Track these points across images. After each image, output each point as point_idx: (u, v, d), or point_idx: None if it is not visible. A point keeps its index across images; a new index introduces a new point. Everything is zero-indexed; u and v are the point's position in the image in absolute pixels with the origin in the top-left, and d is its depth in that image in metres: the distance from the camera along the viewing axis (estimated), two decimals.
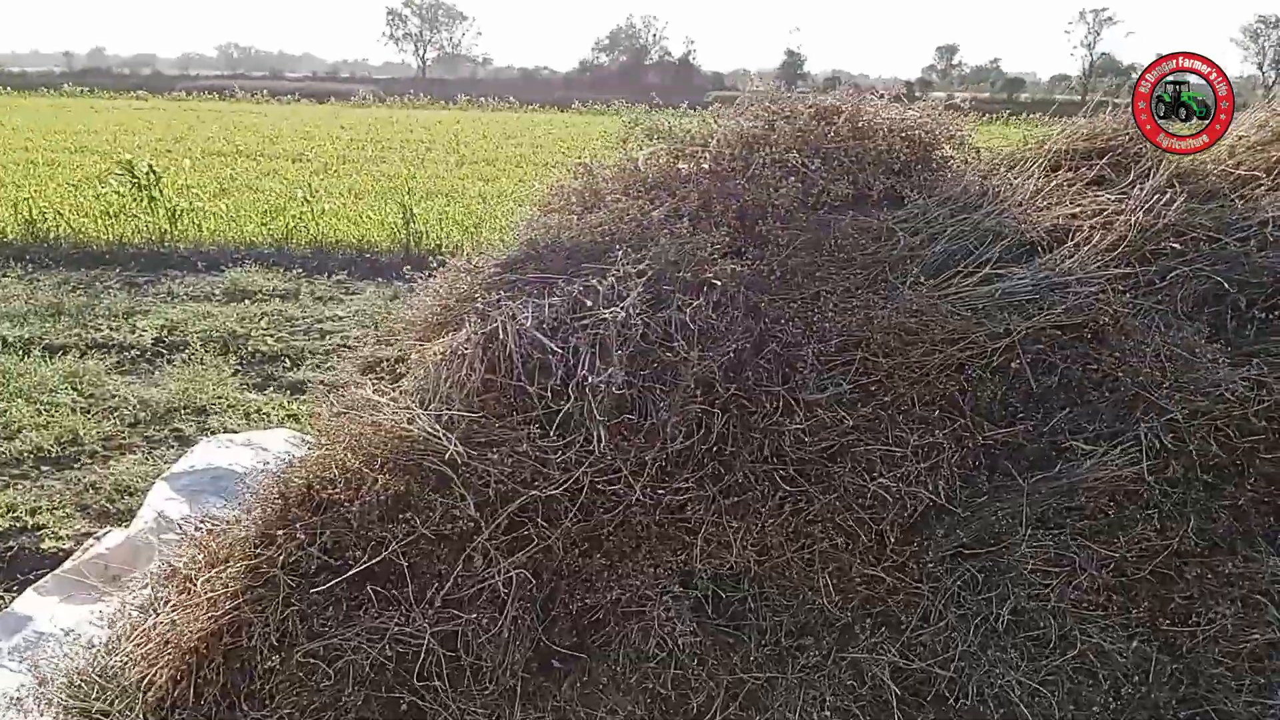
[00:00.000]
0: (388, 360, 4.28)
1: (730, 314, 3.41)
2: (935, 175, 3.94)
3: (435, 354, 3.47)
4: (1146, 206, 3.83)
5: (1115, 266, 3.66)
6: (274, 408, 7.09)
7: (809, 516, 3.35)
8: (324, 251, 12.03)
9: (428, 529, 3.12)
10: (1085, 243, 3.71)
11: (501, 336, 3.31)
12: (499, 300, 3.47)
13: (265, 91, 42.83)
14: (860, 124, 4.00)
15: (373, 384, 3.89)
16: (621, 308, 3.28)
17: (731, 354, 3.35)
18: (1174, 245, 3.75)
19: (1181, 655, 3.36)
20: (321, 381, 6.16)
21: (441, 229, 12.25)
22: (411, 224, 11.81)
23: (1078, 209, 3.90)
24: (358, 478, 3.25)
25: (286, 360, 8.21)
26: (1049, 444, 3.51)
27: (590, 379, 3.11)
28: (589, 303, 3.34)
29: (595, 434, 3.14)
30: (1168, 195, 3.87)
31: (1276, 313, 3.73)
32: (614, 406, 3.23)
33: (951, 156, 4.11)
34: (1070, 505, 3.34)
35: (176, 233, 12.00)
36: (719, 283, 3.34)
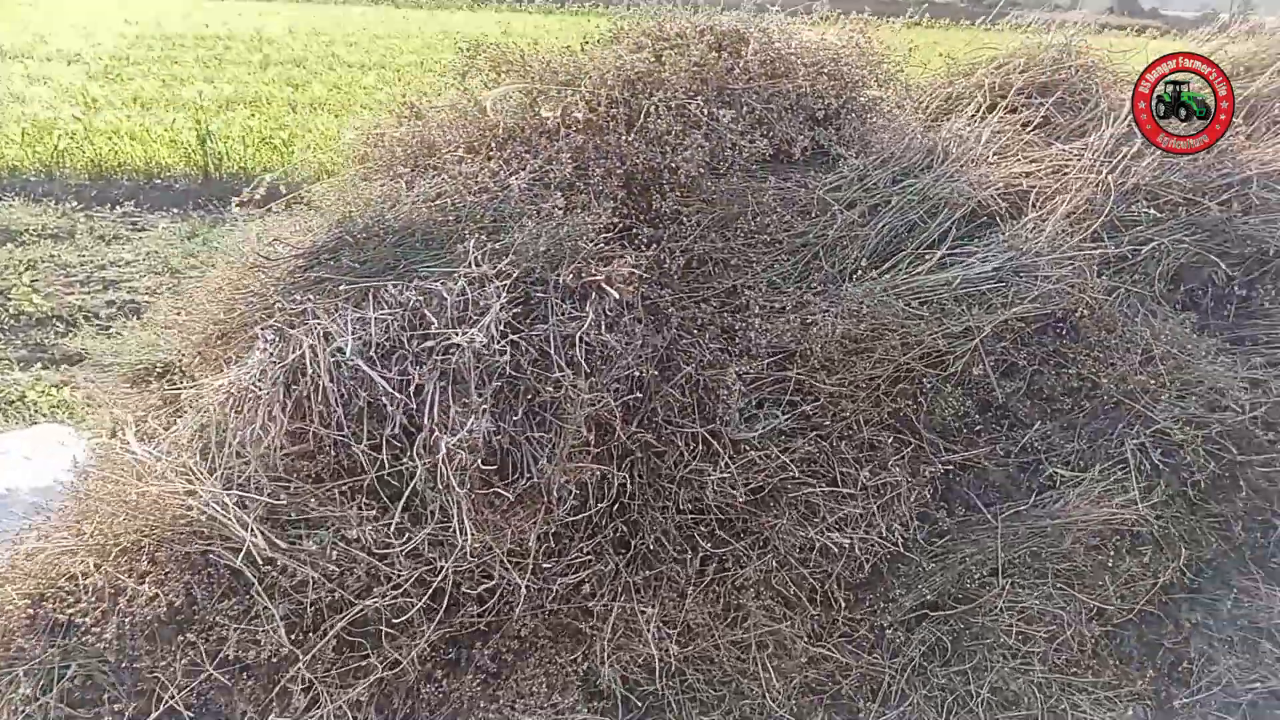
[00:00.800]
0: (166, 369, 3.23)
1: (627, 325, 2.55)
2: (867, 124, 3.13)
3: (220, 391, 2.49)
4: (1113, 164, 3.16)
5: (1083, 240, 2.98)
6: (41, 392, 5.77)
7: (739, 583, 2.61)
8: (105, 177, 10.30)
9: (220, 660, 2.19)
10: (1049, 210, 3.01)
11: (310, 368, 2.35)
12: (304, 309, 2.50)
13: None
14: (771, 56, 3.13)
15: (138, 421, 2.86)
16: (481, 327, 2.37)
17: (632, 381, 2.51)
18: (1148, 210, 3.10)
19: (1175, 712, 2.83)
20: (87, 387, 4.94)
21: (245, 147, 10.71)
22: (209, 143, 10.24)
23: (1032, 165, 3.20)
24: (113, 585, 2.28)
25: (60, 324, 6.76)
26: (1018, 466, 2.87)
27: (445, 441, 2.20)
28: (432, 317, 2.41)
29: (454, 510, 2.26)
30: (1135, 147, 3.20)
31: (1260, 289, 3.15)
32: (479, 466, 2.35)
33: (880, 97, 3.31)
34: (1054, 549, 2.69)
35: None
36: (611, 289, 2.45)
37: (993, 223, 3.01)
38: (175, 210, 9.63)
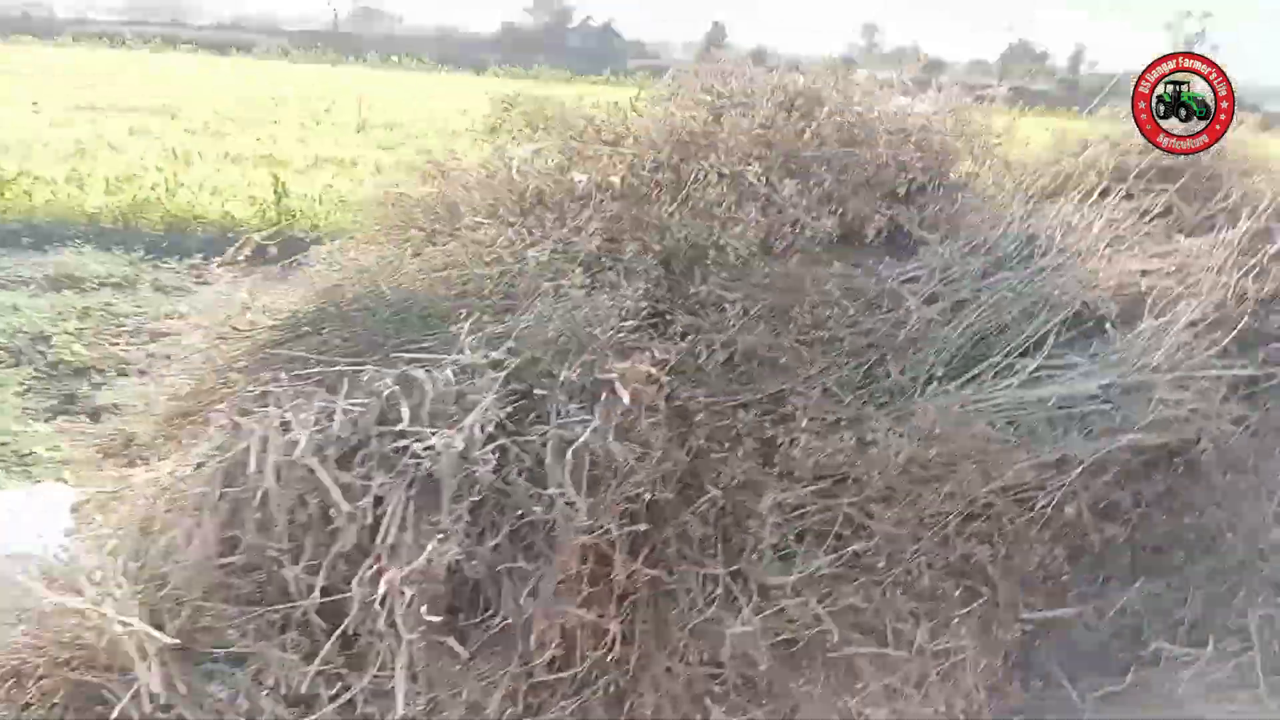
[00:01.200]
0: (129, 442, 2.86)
1: (644, 432, 2.09)
2: (957, 205, 2.67)
3: (150, 485, 2.10)
4: (1248, 265, 2.64)
5: (1211, 355, 2.46)
6: (56, 447, 5.43)
7: None
8: (179, 229, 10.25)
9: None
10: (1170, 318, 2.50)
11: (254, 466, 1.95)
12: (266, 393, 2.11)
13: (160, 39, 39.74)
14: (849, 120, 2.69)
15: (78, 505, 2.50)
16: (463, 428, 1.95)
17: (643, 503, 2.05)
18: None
19: None
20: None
21: (320, 205, 10.62)
22: (283, 199, 10.16)
23: (1152, 261, 2.69)
24: None
25: (96, 375, 6.47)
26: (1113, 633, 2.33)
27: (388, 576, 1.76)
28: (407, 411, 2.00)
29: (398, 659, 1.81)
30: (1276, 246, 2.68)
31: None
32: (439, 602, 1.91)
33: (975, 173, 2.84)
34: None
35: (4, 202, 10.16)
36: (624, 391, 2.00)
37: (1101, 329, 2.51)
38: (246, 264, 9.43)
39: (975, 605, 2.26)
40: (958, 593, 2.24)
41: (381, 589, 1.74)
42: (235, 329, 2.38)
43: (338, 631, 1.80)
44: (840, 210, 2.51)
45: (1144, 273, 2.66)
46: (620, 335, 2.17)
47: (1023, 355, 2.37)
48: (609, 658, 2.04)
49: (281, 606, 1.90)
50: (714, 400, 2.26)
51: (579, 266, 2.34)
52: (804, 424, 2.18)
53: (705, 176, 2.47)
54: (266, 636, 1.88)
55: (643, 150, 2.63)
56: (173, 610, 1.93)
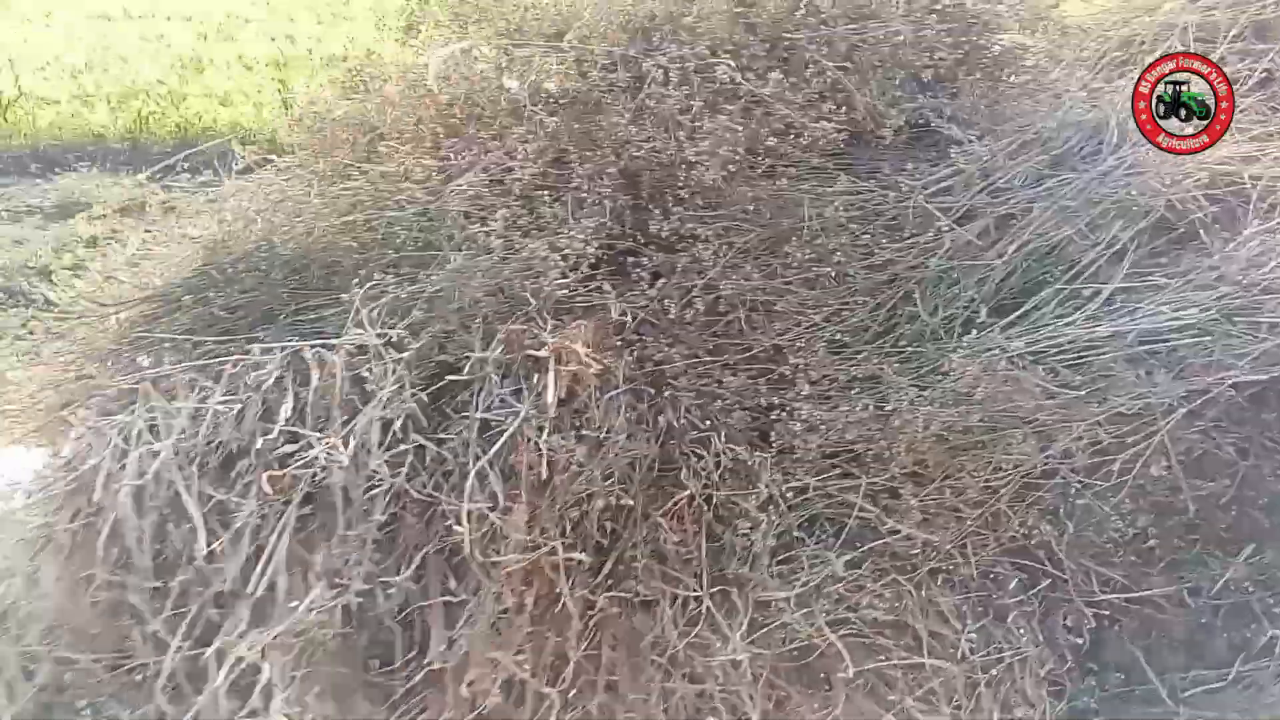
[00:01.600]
0: None
1: (598, 413, 1.64)
2: (1000, 89, 2.11)
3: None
4: None
5: None
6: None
7: None
8: (188, 144, 9.83)
9: None
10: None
11: (101, 489, 1.55)
12: (135, 386, 1.70)
13: None
14: None
15: None
16: (355, 430, 1.52)
17: (602, 504, 1.61)
18: None
19: None
20: None
21: (331, 111, 10.08)
22: (291, 105, 9.64)
23: (1252, 146, 2.14)
24: None
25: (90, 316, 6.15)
26: (1212, 611, 1.90)
27: (251, 639, 1.36)
28: (288, 407, 1.58)
29: None
30: None
31: None
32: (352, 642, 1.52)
33: (1023, 44, 2.26)
34: None
35: (7, 125, 9.79)
36: (552, 377, 1.54)
37: (1193, 238, 1.98)
38: (256, 178, 9.05)
39: (1037, 592, 1.83)
40: (1014, 582, 1.80)
41: (246, 655, 1.35)
42: (98, 304, 1.95)
43: (190, 713, 1.42)
44: (847, 106, 1.96)
45: (1246, 160, 2.10)
46: (565, 291, 1.71)
47: (1091, 279, 1.86)
48: (570, 693, 1.64)
49: (145, 662, 1.52)
50: (694, 359, 1.80)
51: (514, 201, 1.87)
52: (805, 389, 1.71)
53: (667, 75, 1.94)
54: (133, 702, 1.52)
55: (590, 43, 2.09)
56: (27, 669, 1.58)
